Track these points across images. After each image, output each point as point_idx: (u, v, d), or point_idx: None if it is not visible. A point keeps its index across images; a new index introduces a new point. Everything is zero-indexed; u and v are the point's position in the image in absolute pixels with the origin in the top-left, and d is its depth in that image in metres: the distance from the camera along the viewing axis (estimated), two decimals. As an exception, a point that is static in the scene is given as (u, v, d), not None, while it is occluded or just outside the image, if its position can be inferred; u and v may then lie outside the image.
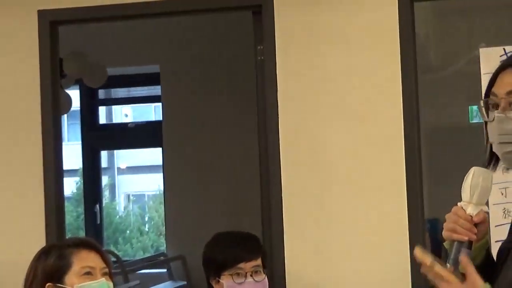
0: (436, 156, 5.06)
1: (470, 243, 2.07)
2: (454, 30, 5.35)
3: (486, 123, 2.15)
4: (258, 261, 3.39)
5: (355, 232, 3.98)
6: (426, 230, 3.99)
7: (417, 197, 3.94)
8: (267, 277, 3.43)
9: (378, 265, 3.96)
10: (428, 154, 4.68)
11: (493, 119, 2.10)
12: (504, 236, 2.19)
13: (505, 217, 3.78)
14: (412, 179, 3.94)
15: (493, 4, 5.28)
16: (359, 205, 3.98)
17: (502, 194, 3.86)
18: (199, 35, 7.44)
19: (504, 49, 3.82)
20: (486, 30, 5.19)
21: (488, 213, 2.13)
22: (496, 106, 2.11)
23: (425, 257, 2.02)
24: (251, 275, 3.36)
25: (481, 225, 2.11)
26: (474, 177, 2.09)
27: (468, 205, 2.08)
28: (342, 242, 3.99)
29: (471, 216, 2.07)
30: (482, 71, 3.87)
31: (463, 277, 2.01)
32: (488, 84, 2.16)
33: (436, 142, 5.12)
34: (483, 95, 2.20)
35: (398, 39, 4.00)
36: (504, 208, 3.85)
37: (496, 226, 3.79)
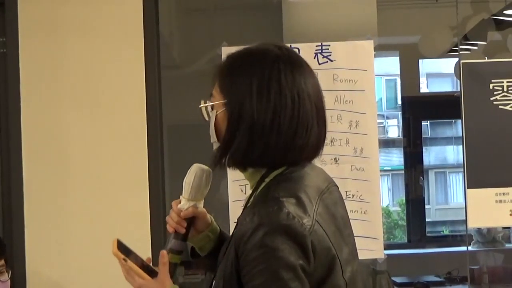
0: (177, 152, 5.12)
1: (184, 235, 2.18)
2: (197, 28, 5.43)
3: None
4: (2, 261, 3.35)
5: (97, 229, 3.94)
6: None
7: (159, 193, 3.97)
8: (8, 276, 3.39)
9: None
10: (170, 150, 4.72)
11: None
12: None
13: (244, 213, 3.88)
14: (154, 175, 3.96)
15: (234, 4, 5.42)
16: (101, 202, 3.95)
17: (242, 191, 3.97)
18: None
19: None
20: (228, 29, 5.31)
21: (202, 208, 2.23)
22: None
23: (119, 253, 2.10)
24: None
25: (198, 219, 2.22)
26: (190, 174, 2.20)
27: (182, 200, 2.20)
28: (85, 239, 3.95)
29: (181, 210, 2.19)
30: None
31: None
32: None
33: (178, 138, 5.18)
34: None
35: (143, 34, 4.00)
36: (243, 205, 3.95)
37: (235, 222, 3.88)
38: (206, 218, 2.25)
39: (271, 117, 2.02)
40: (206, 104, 2.11)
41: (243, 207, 2.12)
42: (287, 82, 2.05)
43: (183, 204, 2.19)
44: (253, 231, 1.93)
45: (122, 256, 2.09)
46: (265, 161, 2.05)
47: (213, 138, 2.10)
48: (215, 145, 2.11)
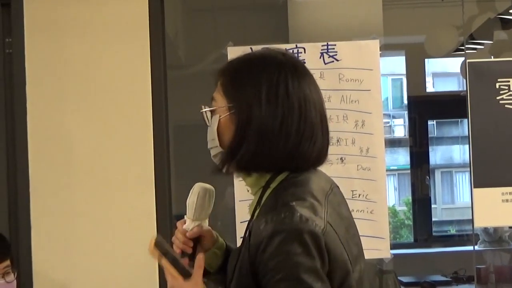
0: (183, 152, 5.12)
1: (191, 255, 2.20)
2: (203, 28, 5.44)
3: None
4: (8, 262, 3.35)
5: (104, 229, 3.94)
6: (174, 227, 4.02)
7: (165, 193, 3.96)
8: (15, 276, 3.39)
9: (126, 261, 3.94)
10: (176, 151, 4.72)
11: None
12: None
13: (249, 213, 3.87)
14: (160, 175, 3.95)
15: (240, 4, 5.42)
16: (108, 202, 3.95)
17: (248, 190, 3.93)
18: None
19: (251, 48, 3.92)
20: (233, 29, 5.31)
21: (207, 228, 2.24)
22: None
23: (155, 252, 2.09)
24: (2, 277, 3.30)
25: (204, 238, 2.24)
26: (192, 194, 2.21)
27: (187, 220, 2.22)
28: (91, 239, 3.95)
29: (187, 230, 2.21)
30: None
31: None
32: None
33: (184, 138, 5.17)
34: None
35: (148, 34, 4.00)
36: (249, 205, 3.94)
37: (241, 222, 3.88)
38: (212, 236, 2.26)
39: (279, 122, 2.02)
40: (209, 109, 2.10)
41: (250, 214, 2.11)
42: (293, 89, 2.05)
43: (188, 224, 2.21)
44: (268, 240, 1.92)
45: (158, 254, 2.08)
46: (270, 166, 2.05)
47: (215, 143, 2.08)
48: (215, 151, 2.09)
